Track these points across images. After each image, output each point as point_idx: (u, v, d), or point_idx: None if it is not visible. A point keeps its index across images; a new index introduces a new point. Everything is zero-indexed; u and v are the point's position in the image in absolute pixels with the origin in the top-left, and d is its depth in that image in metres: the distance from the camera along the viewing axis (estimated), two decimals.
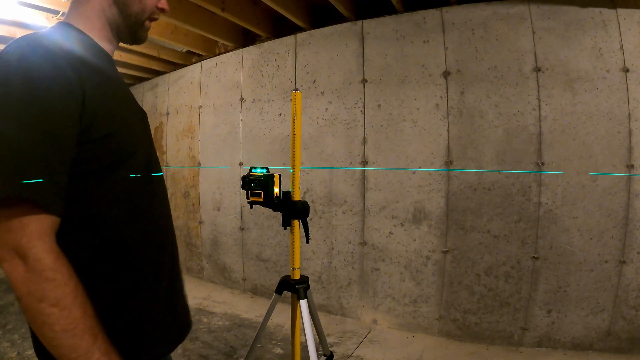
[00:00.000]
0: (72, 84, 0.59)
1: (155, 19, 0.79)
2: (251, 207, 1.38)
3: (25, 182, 0.54)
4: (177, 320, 0.80)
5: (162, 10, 0.78)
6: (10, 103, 0.55)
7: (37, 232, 0.55)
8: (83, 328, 0.56)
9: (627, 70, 2.04)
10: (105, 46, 0.74)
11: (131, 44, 0.80)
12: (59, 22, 0.71)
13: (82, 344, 0.56)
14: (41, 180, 0.55)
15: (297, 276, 1.37)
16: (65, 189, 0.59)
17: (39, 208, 0.55)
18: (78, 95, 0.59)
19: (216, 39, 3.03)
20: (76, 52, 0.64)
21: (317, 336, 1.53)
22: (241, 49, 3.23)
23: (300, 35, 2.89)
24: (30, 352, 2.16)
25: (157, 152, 4.46)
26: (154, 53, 3.40)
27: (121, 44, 0.80)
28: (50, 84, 0.57)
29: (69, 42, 0.65)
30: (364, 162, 2.65)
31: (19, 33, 2.75)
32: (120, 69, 3.76)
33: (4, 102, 0.55)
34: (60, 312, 0.55)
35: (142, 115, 0.78)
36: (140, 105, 0.81)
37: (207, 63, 3.51)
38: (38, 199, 0.55)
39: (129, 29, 0.76)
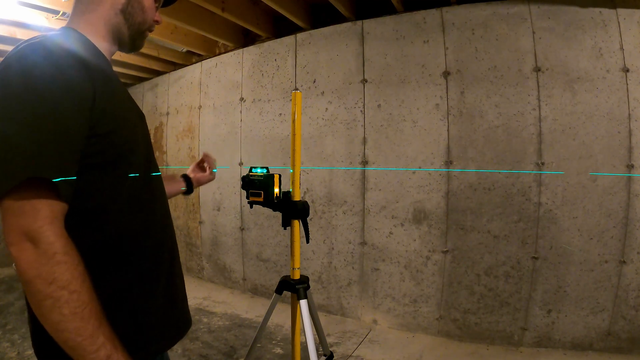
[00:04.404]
0: (85, 81, 0.63)
1: (152, 30, 0.86)
2: (251, 207, 1.39)
3: (40, 166, 0.56)
4: (176, 317, 0.81)
5: (156, 22, 0.85)
6: (30, 96, 0.58)
7: (49, 216, 0.57)
8: (90, 311, 0.58)
9: (627, 70, 2.04)
10: (106, 51, 0.78)
11: (129, 51, 0.85)
12: (64, 27, 0.75)
13: (88, 327, 0.57)
14: (55, 166, 0.58)
15: (297, 276, 1.37)
16: (73, 179, 0.61)
17: (50, 192, 0.57)
18: (90, 91, 0.62)
19: (216, 39, 3.03)
20: (85, 53, 0.68)
21: (317, 336, 1.53)
22: (241, 49, 3.23)
23: (300, 35, 2.89)
24: (30, 352, 2.16)
25: (157, 152, 4.46)
26: (154, 53, 3.40)
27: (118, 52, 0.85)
28: (67, 79, 0.61)
29: (78, 44, 0.69)
30: (364, 162, 2.65)
31: (19, 33, 2.75)
32: (120, 69, 3.77)
33: (25, 94, 0.58)
34: (70, 294, 0.56)
35: (142, 117, 0.82)
36: (139, 107, 0.84)
37: (207, 63, 3.51)
38: (55, 179, 0.57)
39: (130, 37, 0.81)
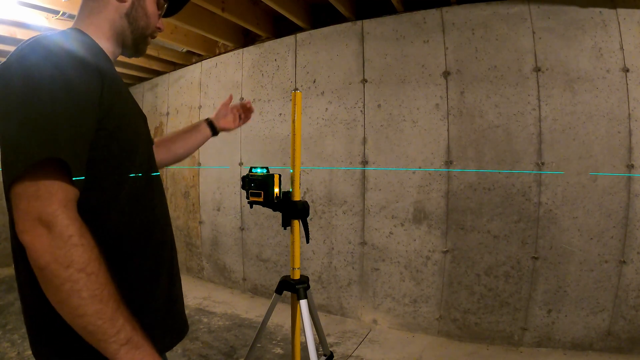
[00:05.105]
0: (95, 76, 0.65)
1: (154, 37, 0.88)
2: (251, 207, 1.38)
3: (57, 148, 0.57)
4: (175, 317, 0.82)
5: (158, 29, 0.88)
6: (47, 85, 0.59)
7: (63, 200, 0.57)
8: (108, 294, 0.58)
9: (627, 70, 2.04)
10: (110, 53, 0.79)
11: (131, 55, 0.87)
12: (71, 28, 0.76)
13: (107, 309, 0.57)
14: (70, 150, 0.58)
15: (297, 276, 1.37)
16: (85, 167, 0.62)
17: (64, 177, 0.58)
18: (99, 84, 0.65)
19: (216, 39, 3.03)
20: (93, 51, 0.70)
21: (317, 336, 1.53)
22: (241, 49, 3.23)
23: (300, 35, 2.89)
24: (30, 352, 2.16)
25: None
26: (154, 53, 3.40)
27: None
28: (80, 72, 0.63)
29: (86, 43, 0.71)
30: (364, 162, 2.65)
31: (19, 33, 2.75)
32: (120, 69, 3.77)
33: (43, 84, 0.59)
34: (88, 277, 0.56)
35: (144, 118, 0.84)
36: (140, 107, 0.86)
37: (207, 63, 3.51)
38: (70, 162, 0.57)
39: (133, 41, 0.83)
